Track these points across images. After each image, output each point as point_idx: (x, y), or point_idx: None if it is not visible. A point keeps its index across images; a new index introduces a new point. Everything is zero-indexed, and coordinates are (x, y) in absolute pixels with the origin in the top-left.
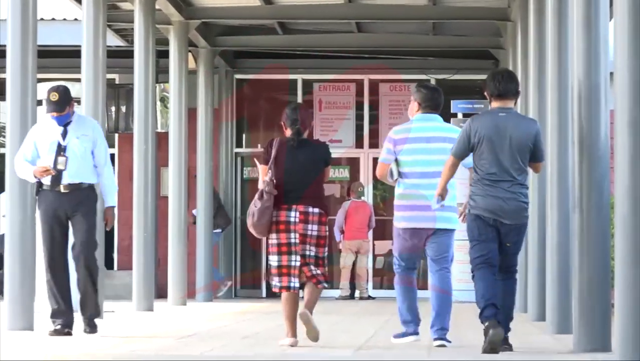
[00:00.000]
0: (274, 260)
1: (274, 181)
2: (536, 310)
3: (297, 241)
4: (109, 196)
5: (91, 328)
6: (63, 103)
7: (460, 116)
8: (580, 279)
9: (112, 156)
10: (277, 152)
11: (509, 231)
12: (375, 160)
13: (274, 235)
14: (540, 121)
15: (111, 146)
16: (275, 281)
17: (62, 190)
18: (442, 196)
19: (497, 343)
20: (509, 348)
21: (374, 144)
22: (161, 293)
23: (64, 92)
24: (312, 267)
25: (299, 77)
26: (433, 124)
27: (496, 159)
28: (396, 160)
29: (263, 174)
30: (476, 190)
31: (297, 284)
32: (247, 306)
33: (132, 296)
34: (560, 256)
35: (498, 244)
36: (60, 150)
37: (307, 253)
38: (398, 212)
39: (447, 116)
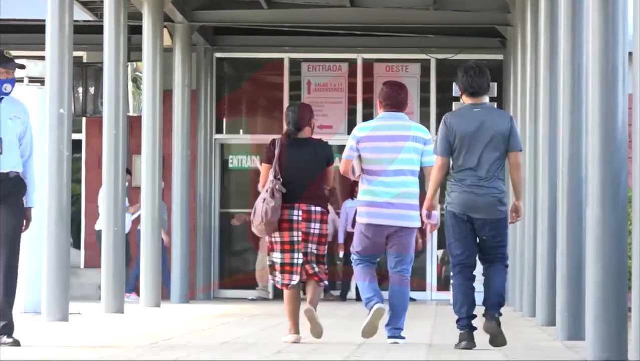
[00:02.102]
0: (277, 258)
1: (280, 179)
2: (545, 313)
3: (300, 239)
4: (32, 195)
5: (13, 338)
6: None
7: (463, 100)
8: (594, 280)
9: (79, 142)
10: (279, 151)
11: (483, 225)
12: None
13: (276, 233)
14: (551, 105)
15: (78, 130)
16: (278, 278)
17: None
18: (429, 210)
19: (469, 348)
20: (501, 335)
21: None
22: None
23: None
24: (314, 265)
25: (286, 56)
26: (396, 123)
27: (471, 154)
28: (359, 157)
29: (265, 173)
30: (452, 187)
31: (297, 281)
32: (227, 309)
33: (100, 296)
34: (572, 255)
35: (475, 241)
36: None
37: (309, 250)
38: (361, 208)
39: (449, 99)
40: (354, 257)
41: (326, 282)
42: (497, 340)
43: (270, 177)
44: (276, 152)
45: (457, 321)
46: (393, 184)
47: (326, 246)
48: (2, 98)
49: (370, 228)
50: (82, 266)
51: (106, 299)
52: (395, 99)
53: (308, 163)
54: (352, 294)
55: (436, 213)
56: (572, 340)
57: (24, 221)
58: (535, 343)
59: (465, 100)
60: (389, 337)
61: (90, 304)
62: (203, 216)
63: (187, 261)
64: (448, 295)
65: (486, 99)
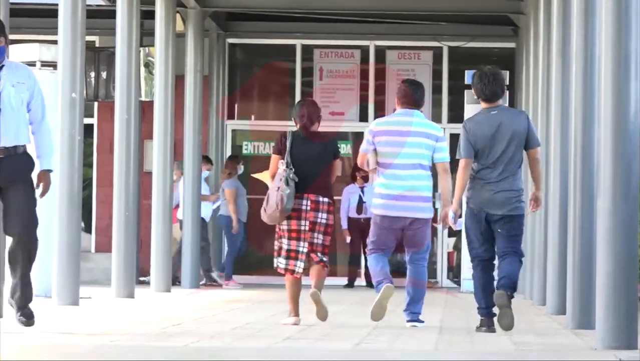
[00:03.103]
0: (284, 243)
1: (292, 169)
2: (555, 302)
3: (307, 228)
4: (46, 158)
5: (28, 318)
6: None
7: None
8: (604, 269)
9: (91, 126)
10: (291, 144)
11: (499, 220)
12: None
13: (284, 222)
14: (563, 94)
15: (90, 115)
16: (281, 263)
17: None
18: (457, 213)
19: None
20: (509, 315)
21: (380, 117)
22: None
23: None
24: (319, 254)
25: (298, 42)
26: (412, 119)
27: (491, 155)
28: (375, 150)
29: (275, 164)
30: (471, 185)
31: (302, 269)
32: (237, 294)
33: (111, 281)
34: (583, 244)
35: (492, 235)
36: None
37: (315, 240)
38: (376, 199)
39: (462, 87)
40: (369, 246)
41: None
42: (505, 319)
43: (282, 167)
44: (287, 144)
45: (478, 308)
46: (406, 177)
47: (330, 237)
48: (3, 66)
49: (385, 220)
50: (92, 250)
51: (117, 284)
52: (413, 97)
53: (317, 156)
54: (360, 281)
55: (460, 220)
56: (582, 328)
57: (42, 188)
58: (545, 332)
59: (482, 104)
60: (408, 321)
61: (101, 288)
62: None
63: (197, 246)
64: (458, 283)
65: (501, 101)
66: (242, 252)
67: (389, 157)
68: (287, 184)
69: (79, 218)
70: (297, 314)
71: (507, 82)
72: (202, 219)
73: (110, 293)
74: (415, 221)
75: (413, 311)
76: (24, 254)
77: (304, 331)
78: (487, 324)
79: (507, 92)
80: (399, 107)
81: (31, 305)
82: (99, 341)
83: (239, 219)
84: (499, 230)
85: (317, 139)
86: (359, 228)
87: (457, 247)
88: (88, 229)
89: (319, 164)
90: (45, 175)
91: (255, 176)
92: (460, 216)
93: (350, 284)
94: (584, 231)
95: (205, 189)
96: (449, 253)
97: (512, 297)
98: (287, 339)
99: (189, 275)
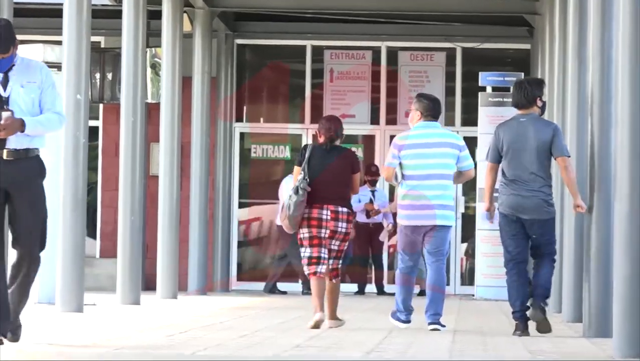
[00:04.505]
0: (307, 252)
1: (307, 180)
2: (572, 310)
3: (327, 235)
4: (31, 118)
5: (15, 335)
6: (7, 41)
7: (489, 89)
8: (622, 276)
9: (96, 129)
10: (310, 156)
11: (532, 225)
12: (392, 138)
13: (305, 230)
14: (580, 97)
15: (95, 118)
16: (306, 269)
17: (5, 157)
18: (490, 211)
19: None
20: (546, 323)
21: (392, 120)
22: (149, 284)
23: (6, 27)
24: (331, 261)
25: (308, 43)
26: (433, 131)
27: (519, 161)
28: (400, 164)
29: (297, 174)
30: (502, 190)
31: (323, 270)
32: (246, 302)
33: (116, 287)
34: (600, 249)
35: (527, 238)
36: (2, 103)
37: (332, 247)
38: (401, 211)
39: (475, 90)
40: (398, 256)
41: (339, 278)
42: (542, 327)
43: (300, 177)
44: (307, 155)
45: (513, 313)
46: (431, 187)
47: (347, 243)
48: (13, 66)
49: (410, 229)
50: (97, 256)
51: (122, 290)
52: (437, 110)
53: (336, 169)
54: (371, 288)
55: (496, 214)
56: (599, 336)
57: (2, 123)
58: (562, 340)
59: (517, 111)
60: (430, 323)
61: (106, 295)
62: (222, 207)
63: (205, 252)
64: (472, 289)
65: (533, 110)
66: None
67: (415, 170)
68: (297, 192)
69: (83, 222)
70: (321, 310)
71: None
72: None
73: (115, 300)
74: (435, 227)
75: (434, 313)
76: (22, 273)
77: (313, 340)
78: (521, 328)
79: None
80: (421, 120)
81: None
82: (104, 349)
83: None
84: (533, 236)
85: (337, 152)
86: (368, 233)
87: (468, 252)
88: (93, 234)
89: (338, 176)
90: (14, 121)
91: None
92: (494, 210)
93: (361, 291)
94: (600, 236)
95: None
96: (461, 259)
97: (547, 305)
98: (296, 347)
99: (195, 280)
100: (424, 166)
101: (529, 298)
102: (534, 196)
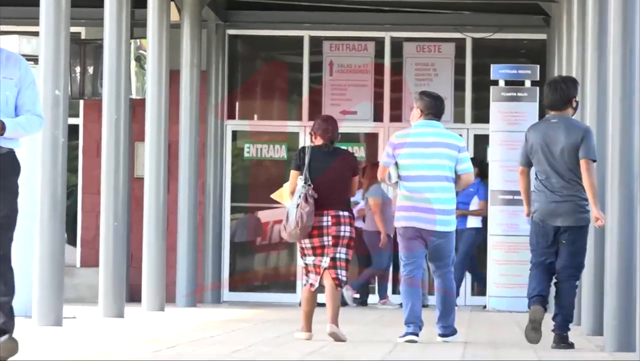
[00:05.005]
0: (310, 260)
1: (311, 185)
2: (592, 322)
3: (330, 243)
4: (10, 119)
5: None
6: None
7: (502, 83)
8: None
9: (76, 127)
10: (310, 159)
11: (563, 232)
12: None
13: (307, 240)
14: (599, 91)
15: (75, 115)
16: (310, 279)
17: None
18: (528, 213)
19: (537, 320)
20: (570, 346)
21: (397, 117)
22: (134, 295)
23: None
24: (339, 270)
25: (306, 34)
26: (433, 130)
27: (550, 164)
28: (396, 163)
29: (294, 180)
30: (535, 197)
31: (318, 284)
32: (238, 314)
33: (97, 299)
34: (622, 257)
35: (557, 249)
36: None
37: (338, 255)
38: (398, 212)
39: (487, 83)
40: (402, 261)
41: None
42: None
43: (300, 183)
44: (306, 160)
45: (529, 302)
46: (429, 189)
47: (352, 250)
48: None
49: (407, 231)
50: (77, 265)
51: (104, 302)
52: (438, 108)
53: (336, 172)
54: (374, 298)
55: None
56: (621, 350)
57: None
58: (580, 354)
59: (548, 111)
60: (440, 335)
61: (87, 307)
62: (212, 211)
63: (195, 261)
64: (483, 300)
65: (567, 111)
66: (387, 269)
67: (410, 170)
68: (307, 201)
69: (62, 228)
70: (309, 330)
71: (538, 78)
72: None
73: (97, 313)
74: (436, 234)
75: (445, 325)
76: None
77: (312, 355)
78: (538, 314)
79: (536, 71)
80: (422, 118)
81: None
82: None
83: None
84: (562, 241)
85: (336, 154)
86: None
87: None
88: (72, 242)
89: (338, 179)
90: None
91: (273, 196)
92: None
93: (363, 303)
94: (622, 242)
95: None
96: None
97: (569, 329)
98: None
99: (184, 291)
100: (419, 167)
101: (548, 292)
102: (566, 200)
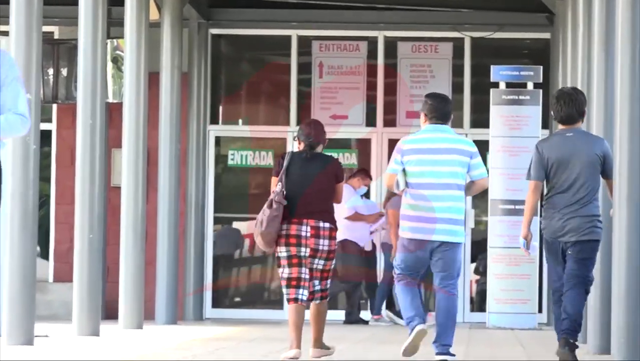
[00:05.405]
0: (285, 272)
1: (284, 192)
2: (598, 339)
3: (307, 254)
4: None
5: None
6: None
7: (502, 85)
8: None
9: (49, 133)
10: (288, 165)
11: (572, 245)
12: (391, 142)
13: (283, 248)
14: (607, 93)
15: (48, 120)
16: (285, 292)
17: None
18: (527, 239)
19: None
20: (573, 351)
21: (391, 121)
22: (110, 312)
23: None
24: (316, 282)
25: (294, 33)
26: (442, 136)
27: (564, 180)
28: (404, 170)
29: (274, 186)
30: (546, 213)
31: (305, 297)
32: (222, 332)
33: (72, 316)
34: (630, 270)
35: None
36: None
37: (315, 266)
38: (404, 222)
39: (487, 85)
40: (396, 271)
41: (323, 300)
42: None
43: (277, 189)
44: (284, 164)
45: (559, 332)
46: (438, 198)
47: (333, 262)
48: None
49: (413, 243)
50: (50, 280)
51: (79, 319)
52: (442, 112)
53: (317, 178)
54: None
55: (535, 244)
56: None
57: None
58: None
59: (559, 126)
60: (437, 353)
61: (60, 325)
62: (194, 222)
63: (175, 275)
64: (483, 316)
65: (579, 124)
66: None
67: (419, 177)
68: (271, 206)
69: (34, 241)
70: (298, 346)
71: (541, 80)
72: (355, 244)
73: (71, 331)
74: (443, 245)
75: (443, 343)
76: None
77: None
78: (566, 345)
79: (539, 72)
80: (427, 123)
81: None
82: None
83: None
84: (569, 252)
85: (318, 160)
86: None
87: (478, 270)
88: (45, 255)
89: (320, 187)
90: None
91: None
92: (531, 239)
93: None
94: (631, 254)
95: (364, 208)
96: (471, 282)
97: (576, 345)
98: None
99: (164, 307)
100: (429, 174)
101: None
102: (578, 217)
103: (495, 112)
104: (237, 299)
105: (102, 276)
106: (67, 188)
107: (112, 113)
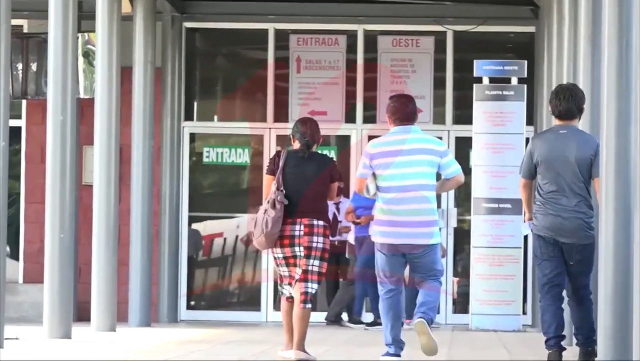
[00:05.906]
0: (284, 271)
1: (283, 191)
2: (610, 349)
3: (302, 254)
4: None
5: None
6: None
7: (486, 80)
8: None
9: (18, 129)
10: (284, 164)
11: (570, 249)
12: (370, 139)
13: (278, 250)
14: (593, 89)
15: (17, 116)
16: (285, 290)
17: None
18: (530, 218)
19: None
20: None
21: (371, 117)
22: (82, 314)
23: None
24: (309, 283)
25: (271, 27)
26: (409, 137)
27: (557, 177)
28: (374, 174)
29: (268, 185)
30: (538, 209)
31: (290, 295)
32: (197, 334)
33: (42, 318)
34: (617, 271)
35: (564, 262)
36: None
37: (310, 268)
38: (376, 227)
39: (470, 80)
40: (378, 279)
41: (310, 305)
42: None
43: (273, 188)
44: (280, 164)
45: (546, 341)
46: (407, 200)
47: (327, 263)
48: None
49: (385, 247)
50: (20, 281)
51: (50, 321)
52: (404, 112)
53: (313, 177)
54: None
55: (530, 223)
56: None
57: None
58: None
59: (555, 122)
60: (419, 317)
61: (31, 327)
62: (169, 221)
63: (149, 276)
64: (466, 318)
65: (576, 121)
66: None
67: (388, 180)
68: (274, 206)
69: (3, 241)
70: (292, 347)
71: (525, 75)
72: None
73: (42, 333)
74: (417, 247)
75: (424, 311)
76: None
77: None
78: (555, 358)
79: (524, 67)
80: (392, 125)
81: None
82: None
83: None
84: (570, 262)
85: (314, 159)
86: (333, 252)
87: (457, 271)
88: (15, 255)
89: (316, 187)
90: None
91: None
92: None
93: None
94: (618, 255)
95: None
96: (453, 282)
97: (595, 342)
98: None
99: (138, 309)
100: (398, 177)
101: (563, 326)
102: (574, 217)
103: (479, 108)
104: (210, 301)
105: (73, 277)
106: (38, 186)
107: (84, 109)
